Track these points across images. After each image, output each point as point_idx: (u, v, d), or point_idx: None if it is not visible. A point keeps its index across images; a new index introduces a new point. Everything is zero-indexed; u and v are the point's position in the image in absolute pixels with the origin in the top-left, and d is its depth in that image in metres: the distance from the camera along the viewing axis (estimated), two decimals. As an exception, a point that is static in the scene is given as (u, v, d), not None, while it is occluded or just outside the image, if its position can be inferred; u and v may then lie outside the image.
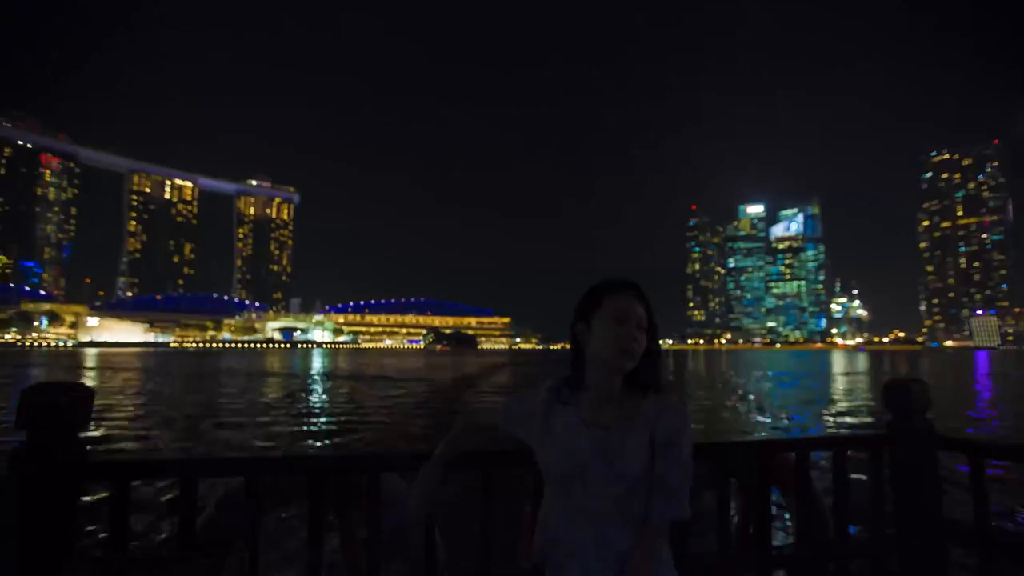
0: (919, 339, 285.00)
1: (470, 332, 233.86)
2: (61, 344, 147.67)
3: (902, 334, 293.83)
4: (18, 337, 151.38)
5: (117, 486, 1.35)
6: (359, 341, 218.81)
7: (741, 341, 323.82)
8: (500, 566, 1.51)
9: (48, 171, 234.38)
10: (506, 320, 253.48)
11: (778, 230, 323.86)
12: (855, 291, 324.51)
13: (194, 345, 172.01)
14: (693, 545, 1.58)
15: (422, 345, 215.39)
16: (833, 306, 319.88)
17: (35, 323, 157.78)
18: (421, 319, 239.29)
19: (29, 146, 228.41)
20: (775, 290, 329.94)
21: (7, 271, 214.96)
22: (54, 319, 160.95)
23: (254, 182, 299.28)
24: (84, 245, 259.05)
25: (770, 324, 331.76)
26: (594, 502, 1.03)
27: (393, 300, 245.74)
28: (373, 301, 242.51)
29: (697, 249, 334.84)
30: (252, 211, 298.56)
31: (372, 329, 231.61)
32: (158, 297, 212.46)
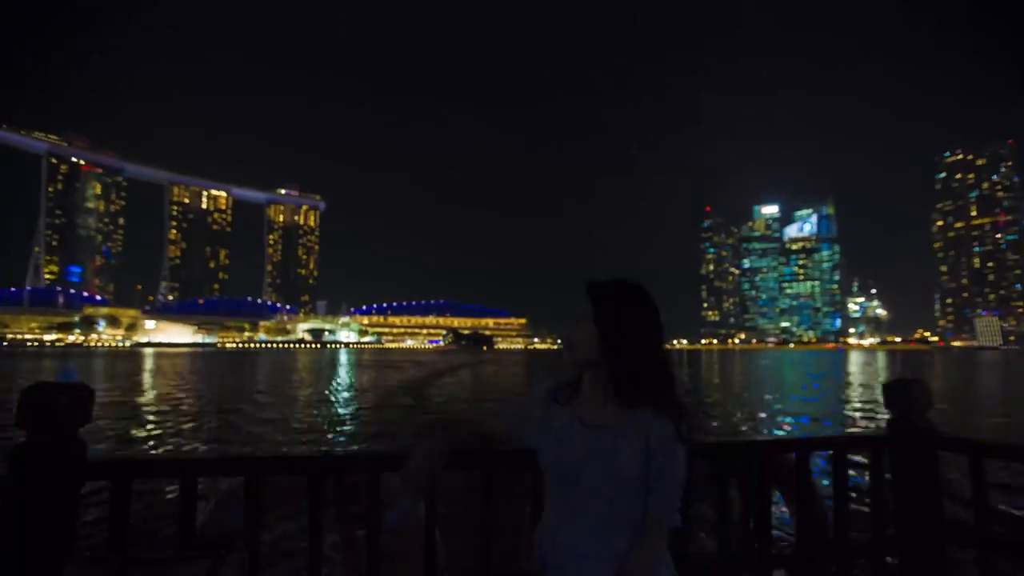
0: (933, 339, 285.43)
1: (487, 333, 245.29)
2: (120, 344, 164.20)
3: (928, 334, 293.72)
4: (82, 338, 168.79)
5: (117, 486, 1.35)
6: (382, 341, 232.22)
7: (755, 341, 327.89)
8: (500, 566, 1.52)
9: (99, 185, 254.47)
10: (522, 321, 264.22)
11: (791, 231, 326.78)
12: (873, 290, 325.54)
13: (235, 345, 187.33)
14: (693, 545, 1.59)
15: (442, 345, 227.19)
16: (851, 305, 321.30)
17: (96, 325, 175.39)
18: (441, 320, 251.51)
19: (82, 163, 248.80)
20: (788, 290, 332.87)
21: (50, 275, 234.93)
22: (113, 322, 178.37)
23: (283, 191, 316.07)
24: (131, 252, 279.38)
25: (784, 324, 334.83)
26: (590, 502, 1.05)
27: (414, 302, 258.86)
28: (395, 303, 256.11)
29: (711, 250, 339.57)
30: (281, 218, 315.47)
31: (394, 330, 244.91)
32: (200, 301, 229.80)
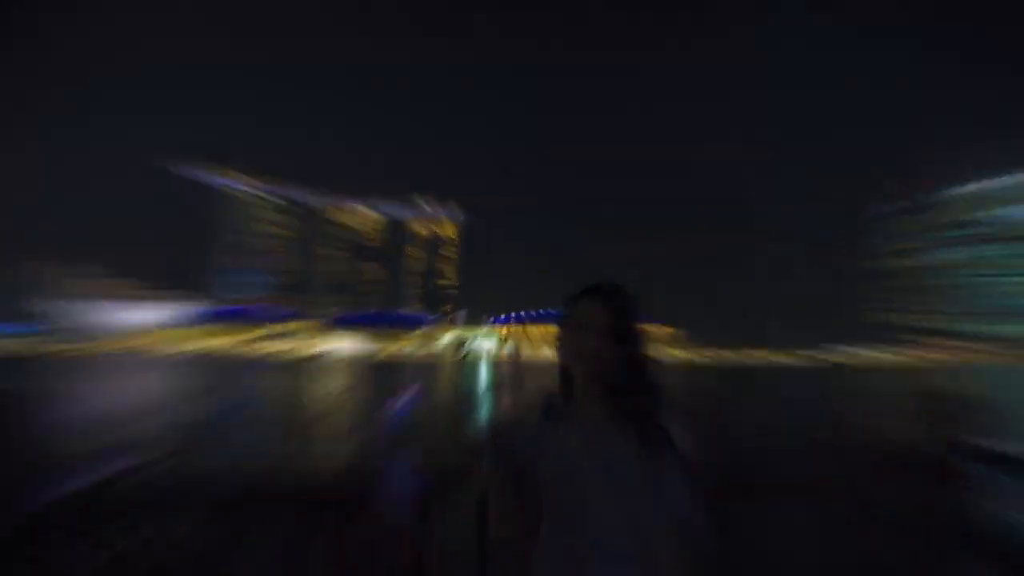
0: None
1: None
2: (308, 353, 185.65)
3: None
4: (281, 347, 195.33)
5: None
6: (519, 350, 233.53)
7: (949, 352, 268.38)
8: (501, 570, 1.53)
9: (275, 212, 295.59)
10: (669, 330, 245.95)
11: (1019, 211, 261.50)
12: None
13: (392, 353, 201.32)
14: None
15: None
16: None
17: (290, 336, 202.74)
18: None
19: (261, 193, 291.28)
20: (1004, 287, 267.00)
21: (240, 296, 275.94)
22: (302, 333, 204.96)
23: (424, 204, 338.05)
24: (300, 270, 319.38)
25: (1000, 330, 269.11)
26: (592, 515, 1.02)
27: (551, 311, 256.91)
28: (532, 312, 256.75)
29: (891, 238, 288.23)
30: (423, 231, 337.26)
31: (531, 339, 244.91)
32: (360, 313, 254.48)
